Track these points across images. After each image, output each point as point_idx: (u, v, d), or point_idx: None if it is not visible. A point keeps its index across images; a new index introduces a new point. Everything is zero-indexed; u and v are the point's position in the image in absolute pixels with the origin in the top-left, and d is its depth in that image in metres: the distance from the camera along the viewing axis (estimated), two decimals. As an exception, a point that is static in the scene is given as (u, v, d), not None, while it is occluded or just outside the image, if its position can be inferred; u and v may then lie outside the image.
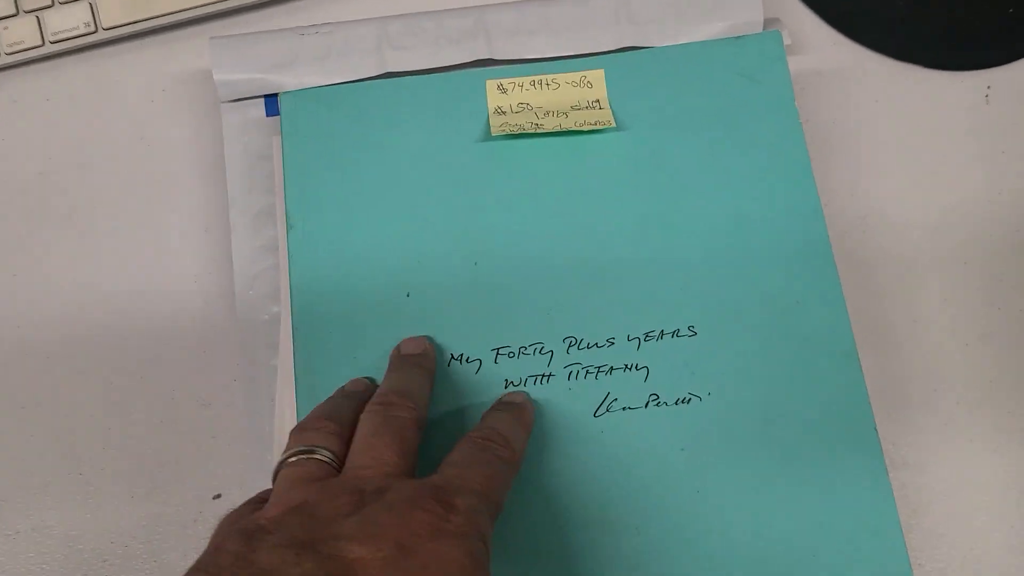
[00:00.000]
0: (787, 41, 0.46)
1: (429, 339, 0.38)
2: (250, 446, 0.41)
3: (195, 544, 0.41)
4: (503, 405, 0.37)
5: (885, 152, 0.47)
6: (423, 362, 0.37)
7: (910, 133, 0.48)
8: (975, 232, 0.46)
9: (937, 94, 0.48)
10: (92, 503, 0.42)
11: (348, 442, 0.32)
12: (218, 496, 0.42)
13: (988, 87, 0.48)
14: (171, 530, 0.42)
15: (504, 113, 0.41)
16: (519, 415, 0.36)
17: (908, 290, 0.45)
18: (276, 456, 0.39)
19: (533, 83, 0.42)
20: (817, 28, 0.50)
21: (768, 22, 0.46)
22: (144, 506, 0.42)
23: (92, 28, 0.48)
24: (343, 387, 0.37)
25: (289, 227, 0.39)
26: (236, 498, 0.42)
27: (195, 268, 0.45)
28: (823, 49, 0.49)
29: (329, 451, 0.32)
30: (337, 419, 0.33)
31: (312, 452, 0.31)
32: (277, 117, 0.42)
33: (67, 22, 0.47)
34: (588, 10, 0.45)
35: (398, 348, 0.38)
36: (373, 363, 0.38)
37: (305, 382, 0.38)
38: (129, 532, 0.42)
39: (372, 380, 0.38)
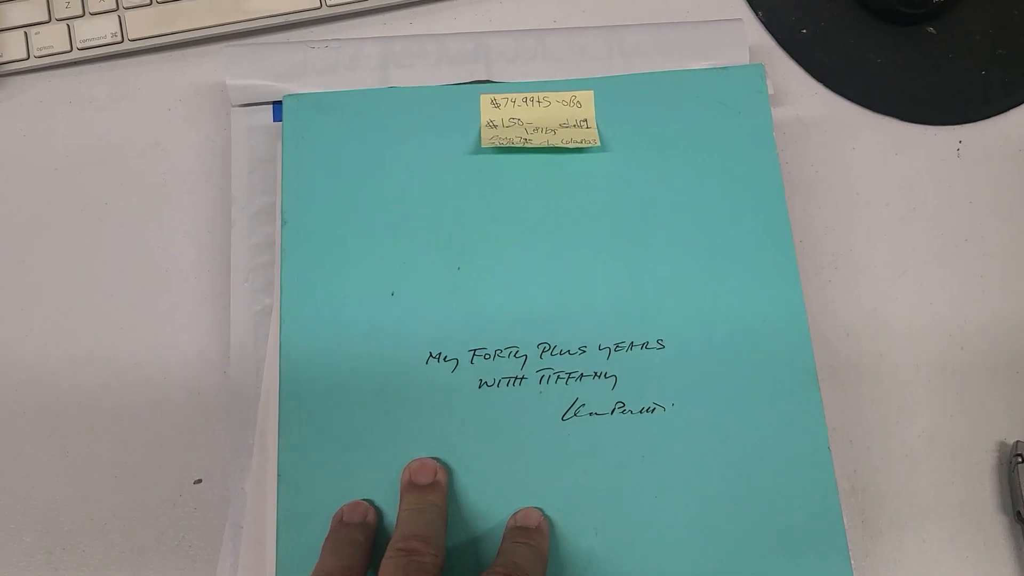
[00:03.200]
0: (771, 91, 0.48)
1: (439, 461, 0.38)
2: (234, 432, 0.42)
3: (171, 527, 0.43)
4: (519, 532, 0.37)
5: (860, 197, 0.50)
6: (436, 497, 0.37)
7: (884, 180, 0.50)
8: (941, 275, 0.48)
9: (912, 146, 0.51)
10: (75, 482, 0.44)
11: None
12: (199, 481, 0.44)
13: (960, 142, 0.51)
14: (149, 512, 0.43)
15: (496, 127, 0.43)
16: (537, 544, 0.36)
17: (875, 326, 0.47)
18: (258, 442, 0.41)
19: (525, 99, 0.44)
20: (801, 79, 0.52)
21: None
22: (126, 487, 0.43)
23: (119, 39, 0.50)
24: (340, 513, 0.37)
25: (284, 222, 0.42)
26: (217, 484, 0.43)
27: (196, 264, 0.47)
28: (805, 99, 0.52)
29: None
30: (349, 567, 0.34)
31: None
32: (282, 123, 0.45)
33: (95, 31, 0.50)
34: (583, 41, 0.47)
35: (409, 471, 0.38)
36: (355, 356, 0.40)
37: (289, 367, 0.39)
38: (109, 511, 0.43)
39: (370, 503, 0.38)
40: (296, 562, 0.37)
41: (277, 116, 0.46)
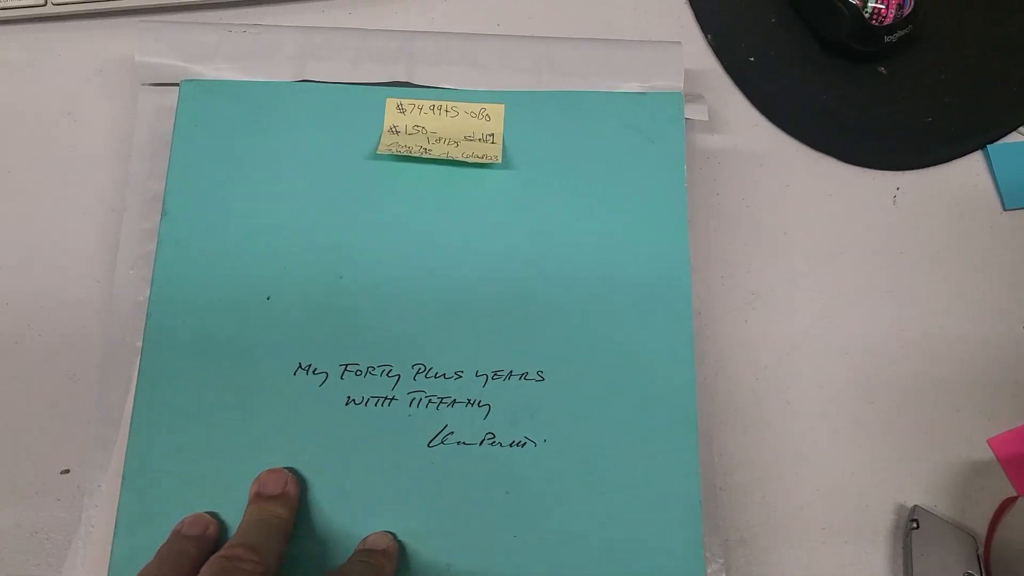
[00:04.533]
0: (704, 117, 0.47)
1: (292, 471, 0.37)
2: (100, 424, 0.41)
3: (32, 516, 0.41)
4: (364, 553, 0.35)
5: (787, 237, 0.48)
6: (280, 510, 0.35)
7: (815, 221, 0.49)
8: (860, 324, 0.47)
9: (848, 188, 0.49)
10: (-58, 463, 0.42)
11: None
12: (66, 471, 0.42)
13: (897, 188, 0.49)
14: (12, 500, 0.41)
15: (397, 133, 0.42)
16: (378, 565, 0.35)
17: (787, 371, 0.46)
18: (120, 437, 0.39)
19: (433, 107, 0.42)
20: (742, 109, 0.51)
21: (694, 96, 0.47)
22: (-9, 473, 0.42)
23: (41, 1, 0.49)
24: (181, 525, 0.36)
25: (164, 213, 0.40)
26: (82, 475, 0.41)
27: (92, 245, 0.45)
28: (744, 130, 0.50)
29: None
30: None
31: None
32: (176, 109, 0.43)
33: (18, -8, 0.48)
34: (512, 51, 0.46)
35: (258, 482, 0.37)
36: (220, 360, 0.38)
37: (149, 369, 0.38)
38: (-30, 497, 0.42)
39: (214, 515, 0.37)
40: (131, 568, 0.35)
41: (185, 99, 0.44)
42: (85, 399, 0.43)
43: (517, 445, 0.38)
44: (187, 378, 0.38)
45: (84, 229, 0.46)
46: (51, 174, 0.47)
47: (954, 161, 0.50)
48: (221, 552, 0.33)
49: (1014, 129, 0.50)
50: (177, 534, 0.35)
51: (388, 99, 0.42)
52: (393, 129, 0.42)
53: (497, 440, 0.38)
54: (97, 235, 0.45)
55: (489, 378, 0.38)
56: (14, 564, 0.40)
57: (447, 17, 0.50)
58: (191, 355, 0.38)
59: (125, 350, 0.41)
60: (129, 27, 0.49)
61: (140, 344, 0.40)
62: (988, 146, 0.49)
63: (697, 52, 0.51)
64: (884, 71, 0.51)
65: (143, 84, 0.45)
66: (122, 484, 0.37)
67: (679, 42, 0.47)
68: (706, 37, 0.52)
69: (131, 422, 0.37)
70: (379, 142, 0.41)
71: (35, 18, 0.49)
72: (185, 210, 0.40)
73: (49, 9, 0.49)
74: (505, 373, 0.38)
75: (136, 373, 0.40)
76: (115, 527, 0.36)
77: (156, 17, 0.49)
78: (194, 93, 0.42)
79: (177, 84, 0.44)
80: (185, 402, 0.38)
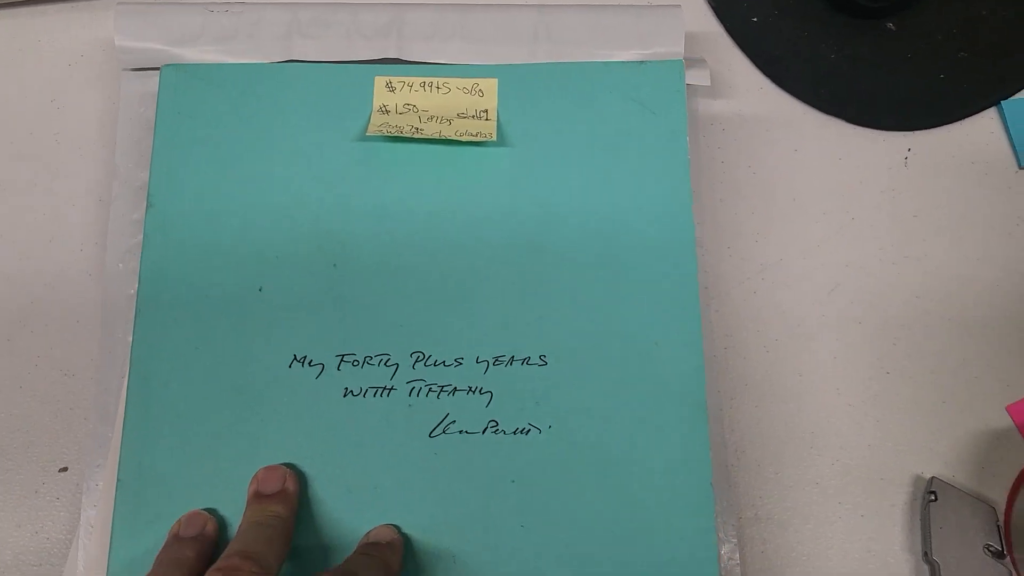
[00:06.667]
0: (706, 82, 0.45)
1: (291, 467, 0.36)
2: (96, 422, 0.40)
3: (30, 516, 0.41)
4: (368, 547, 0.35)
5: (796, 204, 0.47)
6: (280, 508, 0.35)
7: (825, 187, 0.47)
8: (874, 293, 0.45)
9: (857, 151, 0.48)
10: (-64, 462, 0.41)
11: None
12: (64, 469, 0.41)
13: (909, 149, 0.47)
14: (11, 500, 0.41)
15: (388, 112, 0.40)
16: (383, 559, 0.34)
17: (798, 344, 0.44)
18: (116, 436, 0.38)
19: (423, 84, 0.41)
20: (747, 72, 0.49)
21: (694, 60, 0.46)
22: (-12, 472, 0.41)
23: (19, -15, 0.47)
24: (178, 526, 0.35)
25: (149, 205, 0.39)
26: (80, 473, 0.41)
27: (80, 236, 0.44)
28: (749, 93, 0.49)
29: None
30: None
31: None
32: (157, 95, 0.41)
33: (-1, -25, 0.47)
34: (507, 22, 0.44)
35: (256, 480, 0.36)
36: (215, 356, 0.37)
37: (140, 367, 0.37)
38: (-33, 497, 0.41)
39: (213, 512, 0.36)
40: (130, 570, 0.35)
41: (169, 84, 0.43)
42: (81, 395, 0.42)
43: (521, 432, 0.36)
44: (180, 373, 0.37)
45: (74, 221, 0.45)
46: (37, 164, 0.45)
47: (967, 119, 0.48)
48: (218, 564, 0.32)
49: (1030, 84, 0.48)
50: (175, 537, 0.34)
51: (377, 77, 0.41)
52: (383, 109, 0.40)
53: (501, 428, 0.36)
54: (87, 227, 0.44)
55: (490, 364, 0.37)
56: (16, 565, 0.40)
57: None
58: (183, 349, 0.37)
59: (118, 345, 0.40)
60: (110, 10, 0.47)
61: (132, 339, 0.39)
62: (1003, 102, 0.47)
63: (698, 14, 0.49)
64: (893, 27, 0.49)
65: (124, 69, 0.43)
66: (117, 485, 0.36)
67: (679, 5, 0.45)
68: (707, -2, 0.50)
69: (124, 420, 0.36)
70: (368, 123, 0.40)
71: (13, 3, 0.48)
72: (171, 201, 0.39)
73: (27, -7, 0.47)
74: (507, 359, 0.37)
75: (129, 369, 0.39)
76: (112, 528, 0.35)
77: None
78: (176, 78, 0.41)
79: (159, 68, 0.43)
80: (179, 398, 0.37)
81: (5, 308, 0.43)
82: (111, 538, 0.35)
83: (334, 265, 0.38)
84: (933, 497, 0.41)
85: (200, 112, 0.40)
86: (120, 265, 0.41)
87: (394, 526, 0.35)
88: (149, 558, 0.34)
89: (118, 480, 0.36)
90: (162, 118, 0.40)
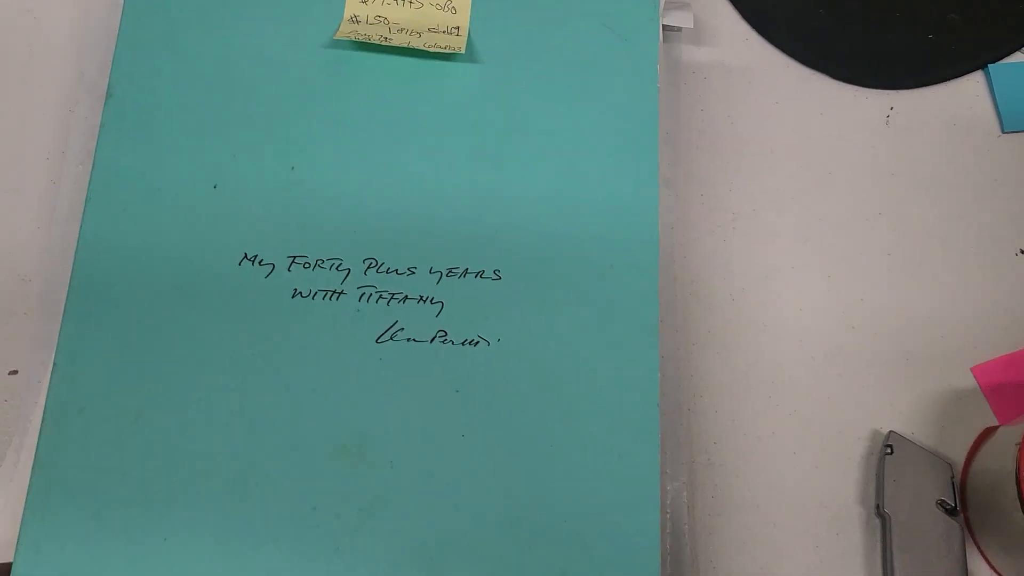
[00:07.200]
0: (689, 24, 0.45)
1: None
2: (43, 323, 0.39)
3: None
4: None
5: (773, 156, 0.46)
6: None
7: (804, 141, 0.46)
8: (845, 248, 0.45)
9: (839, 107, 0.47)
10: None
11: None
12: (14, 372, 0.41)
13: (891, 108, 0.47)
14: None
15: (358, 22, 0.39)
16: None
17: (765, 295, 0.44)
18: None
19: None
20: (732, 21, 0.48)
21: (678, 2, 0.45)
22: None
23: None
24: None
25: (108, 95, 0.38)
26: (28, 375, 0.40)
27: (51, 146, 0.43)
28: (733, 43, 0.48)
29: None
30: None
31: None
32: None
33: None
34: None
35: None
36: (162, 248, 0.36)
37: (86, 257, 0.36)
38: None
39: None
40: (57, 459, 0.34)
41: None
42: (35, 299, 0.41)
43: (470, 344, 0.36)
44: (125, 266, 0.36)
45: (44, 130, 0.44)
46: (8, 75, 0.45)
47: (952, 81, 0.47)
48: None
49: (1018, 48, 0.47)
50: None
51: (349, -14, 0.40)
52: (354, 18, 0.40)
53: (449, 338, 0.36)
54: (58, 136, 0.44)
55: (444, 275, 0.37)
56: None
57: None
58: (130, 243, 0.36)
59: (70, 248, 0.40)
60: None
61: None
62: (989, 66, 0.47)
63: (688, -39, 0.49)
64: (884, -14, 0.48)
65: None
66: (52, 373, 0.35)
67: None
68: (697, -54, 0.49)
69: (64, 311, 0.36)
70: (338, 29, 0.39)
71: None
72: (130, 93, 0.38)
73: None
74: (460, 270, 0.37)
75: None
76: (43, 418, 0.35)
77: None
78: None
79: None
80: (121, 291, 0.36)
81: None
82: (41, 426, 0.35)
83: (292, 168, 0.38)
84: (889, 450, 0.40)
85: (168, 8, 0.39)
86: (79, 167, 0.41)
87: None
88: (81, 447, 0.33)
89: (53, 364, 0.35)
90: (128, 8, 0.39)
